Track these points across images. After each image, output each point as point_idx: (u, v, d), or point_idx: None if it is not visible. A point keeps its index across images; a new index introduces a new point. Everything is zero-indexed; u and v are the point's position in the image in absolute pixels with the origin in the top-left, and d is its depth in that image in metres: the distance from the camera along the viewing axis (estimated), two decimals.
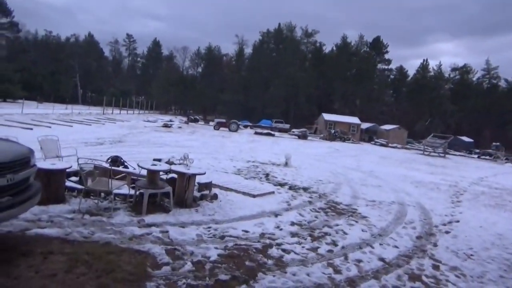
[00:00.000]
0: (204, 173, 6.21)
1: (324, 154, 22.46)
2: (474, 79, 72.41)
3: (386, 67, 74.65)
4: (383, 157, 25.52)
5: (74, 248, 3.98)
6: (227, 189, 7.76)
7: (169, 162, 8.11)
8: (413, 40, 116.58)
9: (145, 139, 19.39)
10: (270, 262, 4.30)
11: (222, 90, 63.13)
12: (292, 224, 6.04)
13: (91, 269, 3.50)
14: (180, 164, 7.18)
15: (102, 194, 5.99)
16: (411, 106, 63.29)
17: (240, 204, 6.73)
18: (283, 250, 4.75)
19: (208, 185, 6.82)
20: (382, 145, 41.13)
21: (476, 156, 41.68)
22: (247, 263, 4.18)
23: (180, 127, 32.52)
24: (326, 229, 5.95)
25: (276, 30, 70.22)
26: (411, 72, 77.37)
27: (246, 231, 5.32)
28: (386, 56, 73.18)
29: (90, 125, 24.55)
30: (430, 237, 6.26)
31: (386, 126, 49.91)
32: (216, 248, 4.50)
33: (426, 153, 34.15)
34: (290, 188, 9.25)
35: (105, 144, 15.67)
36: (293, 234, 5.49)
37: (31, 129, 17.91)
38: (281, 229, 5.67)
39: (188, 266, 3.84)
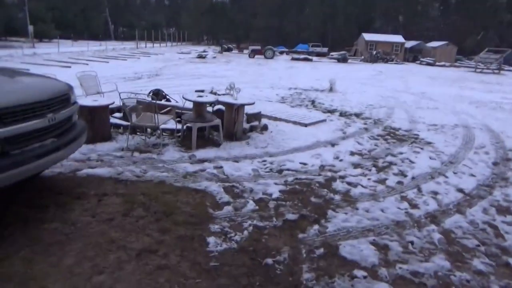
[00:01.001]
0: (253, 103, 5.71)
1: (368, 77, 21.14)
2: None
3: None
4: (432, 77, 23.74)
5: (128, 188, 3.74)
6: (275, 118, 7.28)
7: (213, 93, 7.66)
8: None
9: (181, 71, 18.93)
10: (337, 197, 3.90)
11: (255, 16, 59.95)
12: (352, 154, 5.55)
13: (149, 212, 3.25)
14: (226, 94, 6.69)
15: (149, 130, 5.70)
16: (461, 19, 57.40)
17: (293, 134, 6.27)
18: (349, 184, 4.32)
19: (257, 116, 6.35)
20: (428, 64, 38.30)
21: None
22: (312, 199, 3.80)
23: (214, 57, 31.61)
24: (390, 158, 5.42)
25: None
26: None
27: (304, 164, 4.91)
28: None
29: (126, 60, 24.29)
30: (508, 163, 5.59)
31: (432, 43, 45.99)
32: (276, 184, 4.13)
33: (478, 70, 31.51)
34: (341, 114, 8.63)
35: (143, 78, 15.40)
36: (355, 165, 5.02)
37: (69, 67, 17.89)
38: (341, 160, 5.21)
39: (251, 205, 3.51)
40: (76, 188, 3.68)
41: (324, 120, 7.56)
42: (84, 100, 5.29)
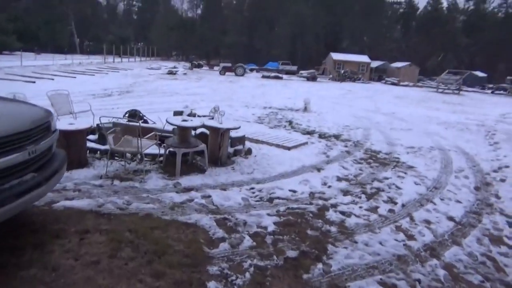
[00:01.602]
0: (239, 127, 5.55)
1: (338, 96, 21.59)
2: (490, 9, 68.57)
3: (395, 0, 70.75)
4: (398, 96, 24.60)
5: (112, 224, 3.44)
6: (257, 141, 7.14)
7: (193, 114, 7.43)
8: None
9: (153, 88, 18.52)
10: (333, 229, 3.77)
11: (225, 32, 60.36)
12: (339, 179, 5.48)
13: (138, 252, 2.98)
14: (206, 116, 6.50)
15: (128, 155, 5.39)
16: (422, 41, 60.35)
17: (277, 158, 6.14)
18: (342, 213, 4.22)
19: (241, 139, 6.18)
20: (393, 83, 39.79)
21: (490, 91, 40.34)
22: (309, 232, 3.65)
23: (185, 74, 31.31)
24: (376, 184, 5.39)
25: None
26: (421, 5, 73.53)
27: (294, 191, 4.77)
28: None
29: (94, 75, 23.53)
30: (488, 188, 5.71)
31: (396, 63, 47.97)
32: (269, 215, 3.95)
33: (440, 90, 33.04)
34: (321, 136, 8.63)
35: (113, 95, 14.90)
36: (345, 192, 4.94)
37: (34, 82, 17.06)
38: (329, 186, 5.12)
39: (247, 241, 3.31)
40: (54, 224, 3.35)
41: (306, 143, 7.50)
42: (59, 123, 4.93)
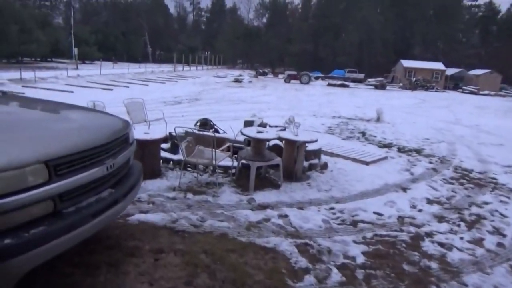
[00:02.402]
0: (316, 140, 5.15)
1: (411, 106, 20.26)
2: None
3: (473, 2, 65.79)
4: (480, 107, 22.50)
5: (186, 243, 3.22)
6: (332, 154, 6.67)
7: (263, 124, 7.16)
8: None
9: (220, 96, 18.76)
10: (434, 265, 3.21)
11: (290, 41, 60.17)
12: (429, 202, 4.84)
13: (215, 279, 2.70)
14: (277, 126, 6.19)
15: (201, 166, 5.23)
16: (505, 47, 55.16)
17: (355, 174, 5.63)
18: (440, 244, 3.62)
19: (317, 153, 5.77)
20: (471, 92, 36.75)
21: None
22: (405, 267, 3.14)
23: (250, 82, 31.56)
24: (475, 210, 4.67)
25: None
26: (503, 7, 67.63)
27: (379, 214, 4.25)
28: None
29: (164, 83, 24.55)
30: None
31: (475, 71, 44.29)
32: (355, 242, 3.50)
33: None
34: (400, 150, 7.91)
35: (183, 103, 15.27)
36: (439, 218, 4.31)
37: (111, 89, 18.11)
38: (420, 210, 4.51)
39: (335, 274, 2.89)
40: (129, 240, 3.20)
41: (385, 158, 6.88)
42: (135, 132, 4.90)
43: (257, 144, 4.76)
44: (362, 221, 4.03)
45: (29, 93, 14.69)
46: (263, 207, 4.19)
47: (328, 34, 55.63)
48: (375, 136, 9.48)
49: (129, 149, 2.99)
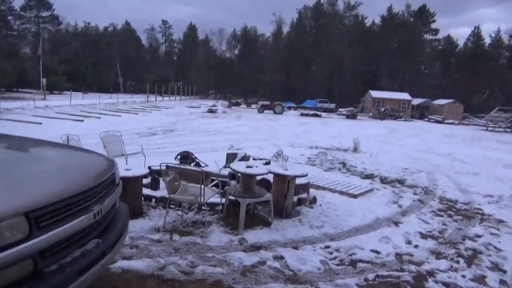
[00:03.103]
0: (307, 174, 4.98)
1: (383, 135, 20.72)
2: None
3: (433, 37, 69.92)
4: (447, 135, 23.30)
5: None
6: (318, 187, 6.52)
7: (247, 157, 6.97)
8: (452, 8, 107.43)
9: (195, 127, 18.52)
10: None
11: (262, 72, 61.40)
12: (423, 236, 4.72)
13: None
14: (262, 160, 6.01)
15: (185, 204, 4.92)
16: (465, 78, 58.44)
17: (346, 209, 5.47)
18: (445, 285, 3.46)
19: (306, 186, 5.60)
20: (437, 121, 38.26)
21: None
22: None
23: (224, 112, 31.54)
24: (470, 244, 4.58)
25: (315, 5, 67.13)
26: (460, 41, 72.07)
27: (377, 252, 4.07)
28: (433, 26, 68.57)
29: (137, 113, 24.08)
30: None
31: (439, 100, 46.43)
32: (358, 285, 3.28)
33: (490, 129, 31.24)
34: (382, 181, 7.88)
35: (158, 134, 14.92)
36: (436, 254, 4.17)
37: (82, 120, 17.51)
38: (416, 246, 4.37)
39: None
40: None
41: (371, 190, 6.79)
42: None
43: (246, 180, 4.54)
44: (361, 261, 3.83)
45: None
46: (256, 248, 3.92)
47: (299, 66, 57.24)
48: (355, 167, 9.46)
49: (116, 191, 2.71)
